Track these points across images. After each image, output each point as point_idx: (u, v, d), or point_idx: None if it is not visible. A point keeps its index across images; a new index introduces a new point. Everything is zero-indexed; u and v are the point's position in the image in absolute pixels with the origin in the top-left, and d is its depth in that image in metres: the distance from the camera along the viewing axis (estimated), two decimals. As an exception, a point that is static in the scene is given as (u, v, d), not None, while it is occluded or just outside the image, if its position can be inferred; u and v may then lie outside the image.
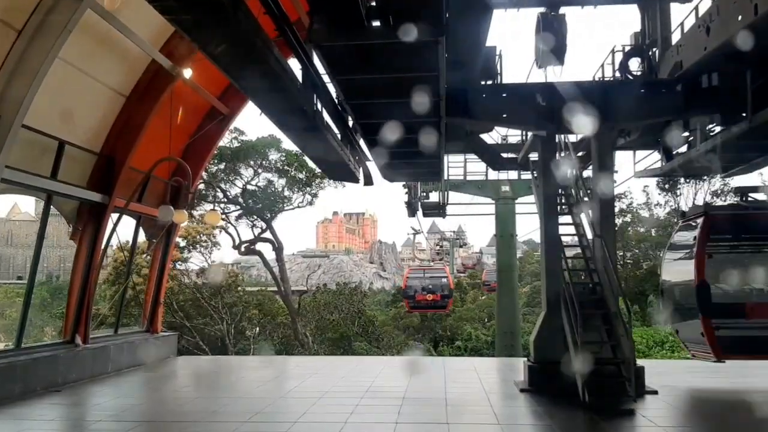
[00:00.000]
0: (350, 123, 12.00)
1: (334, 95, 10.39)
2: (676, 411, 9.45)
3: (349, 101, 10.02)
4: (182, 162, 13.45)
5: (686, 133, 14.00)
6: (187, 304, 33.95)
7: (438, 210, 27.27)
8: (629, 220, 58.83)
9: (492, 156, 16.12)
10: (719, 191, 52.09)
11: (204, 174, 36.31)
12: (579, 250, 12.34)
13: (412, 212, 27.15)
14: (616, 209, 60.67)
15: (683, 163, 13.60)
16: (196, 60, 13.22)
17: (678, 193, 52.37)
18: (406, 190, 26.38)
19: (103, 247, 13.29)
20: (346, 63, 8.06)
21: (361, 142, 13.35)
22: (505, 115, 11.70)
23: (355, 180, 14.90)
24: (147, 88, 13.55)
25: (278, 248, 37.97)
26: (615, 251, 11.32)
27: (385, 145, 12.76)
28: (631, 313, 10.60)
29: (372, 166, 14.90)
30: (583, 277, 11.92)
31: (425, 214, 28.34)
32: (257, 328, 38.85)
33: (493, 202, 26.42)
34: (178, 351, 32.29)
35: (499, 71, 12.48)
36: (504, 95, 11.65)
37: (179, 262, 33.08)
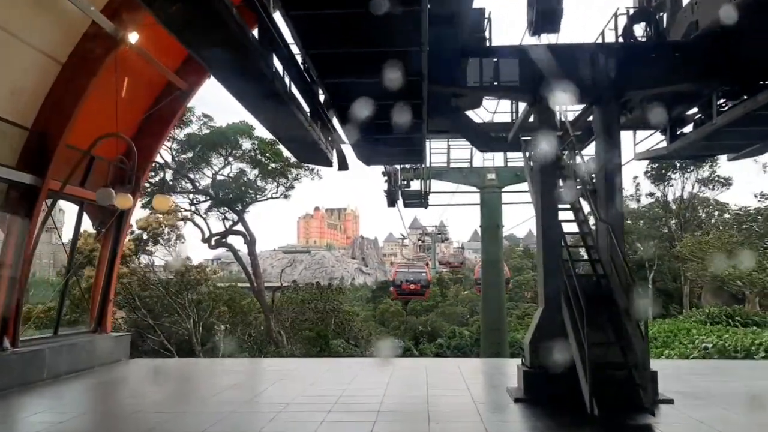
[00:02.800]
0: (321, 98, 10.73)
1: (300, 61, 9.10)
2: (702, 427, 8.14)
3: (317, 69, 8.67)
4: (127, 139, 11.91)
5: (695, 109, 12.84)
6: (153, 301, 32.28)
7: (420, 199, 25.98)
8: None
9: (479, 135, 14.74)
10: (707, 180, 51.39)
11: (172, 162, 34.78)
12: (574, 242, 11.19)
13: (391, 202, 25.77)
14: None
15: (693, 142, 12.34)
16: (147, 26, 11.72)
17: (667, 183, 51.61)
18: (386, 178, 25.04)
19: (35, 235, 11.71)
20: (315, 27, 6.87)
21: (334, 121, 12.08)
22: (495, 83, 10.32)
23: (328, 163, 13.57)
24: (86, 54, 11.97)
25: (250, 241, 36.35)
26: (623, 238, 10.01)
27: (359, 121, 11.47)
28: (646, 310, 9.15)
29: (348, 150, 13.65)
30: (580, 270, 10.62)
31: (406, 204, 26.99)
32: (226, 327, 37.30)
33: (478, 191, 25.16)
34: (143, 352, 31.23)
35: (487, 36, 11.14)
36: (494, 60, 10.26)
37: (143, 256, 31.43)
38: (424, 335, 45.16)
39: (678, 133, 13.50)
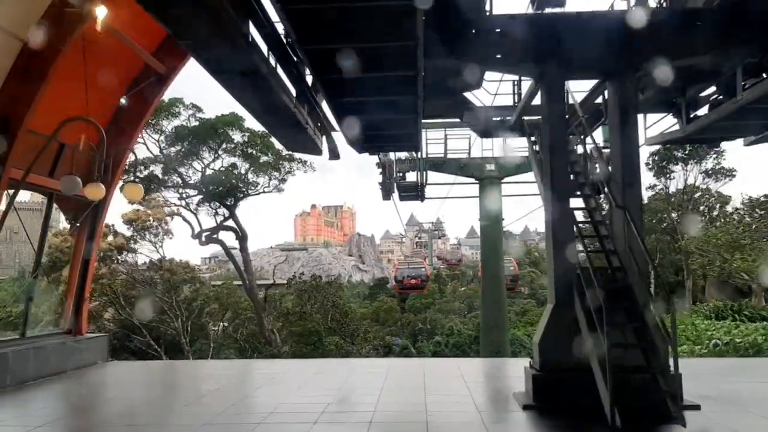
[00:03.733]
0: (309, 81, 9.87)
1: (284, 38, 8.23)
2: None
3: (303, 45, 7.77)
4: (95, 123, 10.91)
5: (711, 89, 11.92)
6: (140, 299, 31.32)
7: (416, 192, 25.02)
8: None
9: (479, 119, 13.81)
10: (710, 171, 50.50)
11: (160, 155, 33.77)
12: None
13: (386, 194, 24.74)
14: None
15: (711, 123, 11.42)
16: (119, 3, 10.75)
17: (669, 176, 50.69)
18: (381, 170, 24.08)
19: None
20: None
21: (324, 106, 11.21)
22: (498, 56, 9.35)
23: (317, 151, 12.67)
24: (50, 31, 10.96)
25: (242, 237, 35.31)
26: (643, 225, 9.07)
27: (350, 104, 10.62)
28: (672, 305, 8.19)
29: (339, 138, 12.80)
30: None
31: (402, 197, 26.01)
32: (218, 326, 36.41)
33: (477, 182, 24.24)
34: (132, 352, 30.26)
35: (489, 7, 10.17)
36: (497, 30, 9.27)
37: (127, 253, 30.40)
38: (423, 332, 44.22)
39: (692, 116, 12.61)
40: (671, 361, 7.29)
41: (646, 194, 54.59)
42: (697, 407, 7.91)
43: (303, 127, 10.19)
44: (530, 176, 25.19)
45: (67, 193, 10.29)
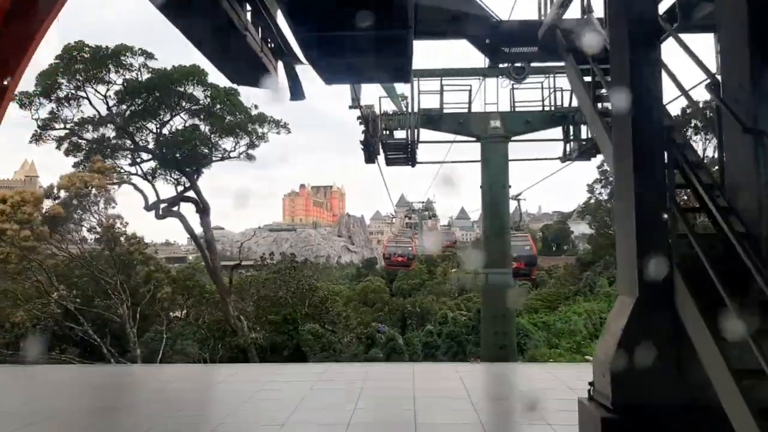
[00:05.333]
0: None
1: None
2: None
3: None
4: None
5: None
6: (82, 281, 27.88)
7: (405, 154, 21.75)
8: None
9: (491, 35, 10.41)
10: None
11: (107, 114, 30.14)
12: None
13: (370, 156, 21.28)
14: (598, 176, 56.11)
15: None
16: None
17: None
18: (363, 125, 20.62)
19: None
20: None
21: (279, 17, 8.16)
22: None
23: (271, 83, 9.46)
24: None
25: (203, 209, 31.69)
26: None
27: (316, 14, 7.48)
28: None
29: (305, 73, 9.70)
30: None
31: (389, 161, 22.68)
32: (183, 312, 33.07)
33: (479, 142, 20.86)
34: (74, 344, 26.83)
35: None
36: None
37: (61, 224, 26.77)
38: (412, 317, 41.16)
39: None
40: None
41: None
42: None
43: (252, 50, 7.72)
44: (544, 134, 22.13)
45: None
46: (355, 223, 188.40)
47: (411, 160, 22.30)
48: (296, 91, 10.31)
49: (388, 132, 21.09)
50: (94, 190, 26.74)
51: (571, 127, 21.54)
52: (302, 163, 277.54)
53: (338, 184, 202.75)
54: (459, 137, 21.69)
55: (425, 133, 21.14)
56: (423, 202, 68.05)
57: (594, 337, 29.17)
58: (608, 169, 58.90)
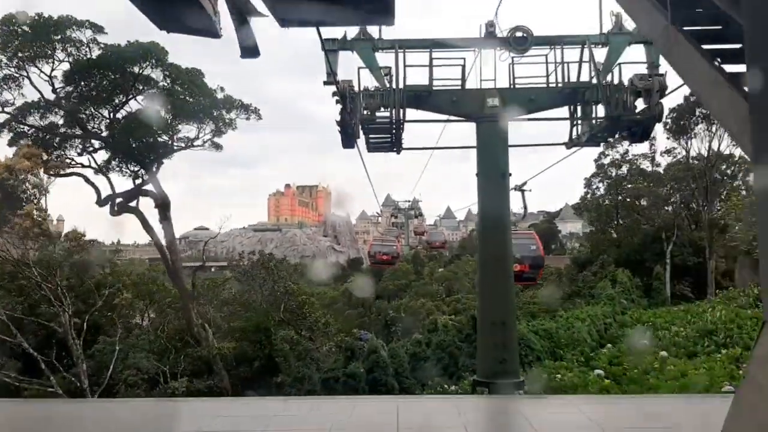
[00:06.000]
0: None
1: None
2: None
3: None
4: None
5: None
6: (29, 286, 24.93)
7: (389, 138, 19.17)
8: (625, 172, 51.73)
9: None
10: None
11: (54, 98, 27.20)
12: None
13: (348, 140, 18.56)
14: (609, 159, 53.71)
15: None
16: None
17: (689, 137, 45.23)
18: (340, 103, 17.92)
19: None
20: None
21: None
22: None
23: (210, 29, 6.83)
24: None
25: (162, 204, 28.72)
26: None
27: None
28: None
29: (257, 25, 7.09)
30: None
31: (371, 146, 20.08)
32: (145, 318, 30.31)
33: (474, 123, 18.23)
34: (17, 356, 23.98)
35: None
36: None
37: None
38: (397, 323, 38.48)
39: None
40: None
41: (662, 160, 49.30)
42: None
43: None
44: (550, 114, 19.62)
45: None
46: (341, 222, 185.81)
47: (396, 145, 19.72)
48: (247, 44, 7.68)
49: (368, 112, 18.44)
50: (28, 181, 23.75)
51: (579, 108, 19.18)
52: (287, 162, 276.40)
53: (324, 184, 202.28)
54: (451, 118, 19.23)
55: (412, 114, 18.59)
56: (409, 201, 66.85)
57: (600, 345, 26.79)
58: (605, 163, 56.98)
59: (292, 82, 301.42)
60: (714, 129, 43.34)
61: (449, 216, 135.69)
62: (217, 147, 30.34)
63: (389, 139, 19.49)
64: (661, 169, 49.85)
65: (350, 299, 58.16)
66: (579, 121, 19.22)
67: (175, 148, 29.35)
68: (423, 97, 18.21)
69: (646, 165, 50.32)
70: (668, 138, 46.93)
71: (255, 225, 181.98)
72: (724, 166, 45.59)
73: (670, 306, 39.37)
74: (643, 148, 48.46)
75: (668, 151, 47.28)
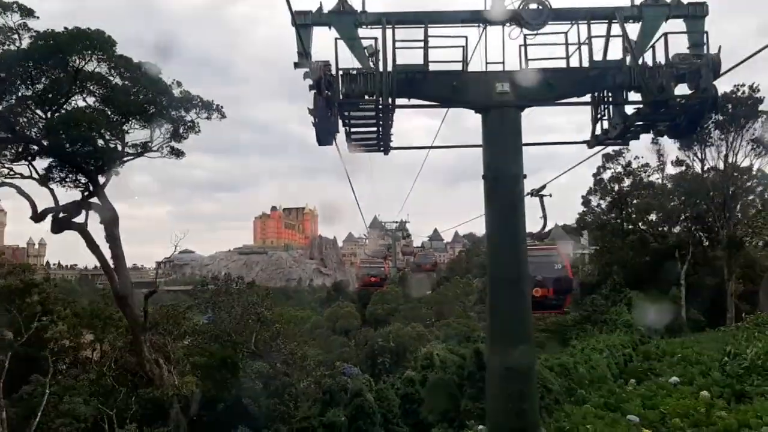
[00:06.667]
0: None
1: None
2: None
3: None
4: None
5: None
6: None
7: (377, 132, 15.97)
8: (628, 186, 48.89)
9: None
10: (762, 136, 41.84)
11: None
12: None
13: (324, 134, 15.16)
14: (609, 173, 50.83)
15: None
16: None
17: (705, 146, 42.25)
18: (314, 88, 14.60)
19: None
20: None
21: None
22: None
23: None
24: None
25: (110, 220, 25.07)
26: None
27: None
28: None
29: None
30: None
31: (353, 143, 16.73)
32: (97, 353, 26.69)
33: (479, 113, 15.05)
34: None
35: None
36: None
37: None
38: (385, 353, 35.00)
39: None
40: None
41: (672, 171, 46.47)
42: None
43: None
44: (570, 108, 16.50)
45: None
46: (328, 245, 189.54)
47: (383, 142, 16.50)
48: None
49: (347, 95, 15.14)
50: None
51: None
52: (274, 185, 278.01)
53: (310, 206, 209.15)
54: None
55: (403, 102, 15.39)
56: (397, 222, 66.62)
57: (622, 380, 23.34)
58: (604, 177, 53.99)
59: (281, 107, 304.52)
60: (731, 138, 40.53)
61: (437, 238, 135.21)
62: (178, 154, 26.90)
63: (375, 136, 16.29)
64: (669, 183, 47.11)
65: (335, 324, 55.67)
66: (606, 114, 16.19)
67: (127, 154, 25.82)
68: (417, 82, 15.03)
69: (655, 177, 47.56)
70: (679, 149, 44.13)
71: (240, 248, 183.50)
72: (745, 177, 42.75)
73: (688, 333, 36.33)
74: (650, 157, 45.76)
75: (680, 162, 44.45)
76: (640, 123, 15.93)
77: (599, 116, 16.41)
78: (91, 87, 24.34)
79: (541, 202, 17.47)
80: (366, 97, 14.70)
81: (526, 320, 14.87)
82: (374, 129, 15.80)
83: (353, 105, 15.05)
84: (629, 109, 15.68)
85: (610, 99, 15.68)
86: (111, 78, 24.31)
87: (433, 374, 24.90)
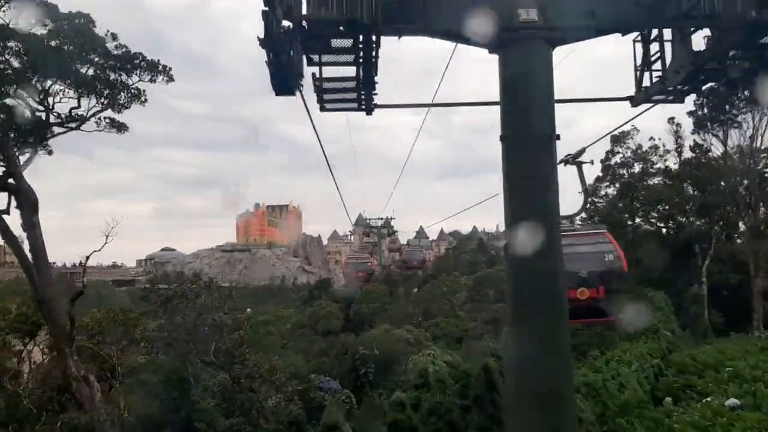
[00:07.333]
0: None
1: None
2: None
3: None
4: None
5: None
6: None
7: (356, 83, 12.29)
8: (639, 170, 45.56)
9: None
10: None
11: None
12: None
13: (282, 80, 11.26)
14: (616, 158, 47.41)
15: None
16: None
17: (729, 126, 38.80)
18: (269, 20, 10.66)
19: None
20: None
21: None
22: None
23: None
24: None
25: (29, 205, 21.01)
26: None
27: None
28: None
29: None
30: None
31: (325, 100, 12.99)
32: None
33: (495, 54, 11.42)
34: None
35: None
36: None
37: None
38: (369, 365, 31.14)
39: None
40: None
41: (688, 154, 43.15)
42: None
43: None
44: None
45: None
46: (312, 243, 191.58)
47: (366, 94, 12.79)
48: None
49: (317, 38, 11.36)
50: None
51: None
52: (258, 182, 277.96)
53: (294, 203, 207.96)
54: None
55: (390, 43, 11.73)
56: (382, 219, 65.41)
57: (657, 401, 19.66)
58: (613, 163, 50.65)
59: (267, 104, 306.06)
60: (760, 118, 37.12)
61: (422, 235, 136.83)
62: (119, 128, 22.91)
63: (354, 90, 12.61)
64: (685, 168, 43.82)
65: (317, 323, 53.94)
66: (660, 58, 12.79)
67: (54, 127, 21.79)
68: (411, 8, 11.34)
69: (671, 162, 44.20)
70: (693, 132, 40.84)
71: (223, 245, 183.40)
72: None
73: (713, 337, 32.96)
74: (667, 139, 42.38)
75: (698, 146, 41.07)
76: (711, 68, 12.38)
77: (648, 62, 12.94)
78: (8, 43, 20.26)
79: (580, 171, 13.67)
80: (341, 28, 10.96)
81: (561, 330, 11.13)
82: (353, 76, 12.10)
83: (323, 36, 11.26)
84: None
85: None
86: (35, 29, 20.32)
87: (429, 396, 20.97)
